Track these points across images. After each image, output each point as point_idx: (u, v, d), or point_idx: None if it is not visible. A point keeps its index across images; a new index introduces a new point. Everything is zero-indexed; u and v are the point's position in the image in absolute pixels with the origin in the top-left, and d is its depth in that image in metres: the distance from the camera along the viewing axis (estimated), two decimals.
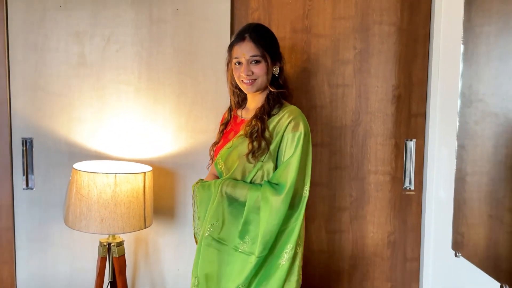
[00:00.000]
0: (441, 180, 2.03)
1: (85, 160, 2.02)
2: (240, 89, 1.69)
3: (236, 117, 1.73)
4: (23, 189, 2.07)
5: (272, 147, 1.58)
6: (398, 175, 2.14)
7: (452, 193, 1.90)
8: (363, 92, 2.10)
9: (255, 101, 1.68)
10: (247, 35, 1.60)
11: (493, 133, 1.62)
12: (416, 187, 2.14)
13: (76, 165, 1.85)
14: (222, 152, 1.65)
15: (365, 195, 2.15)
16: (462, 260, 1.83)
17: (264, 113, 1.60)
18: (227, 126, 1.75)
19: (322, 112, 2.10)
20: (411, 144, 2.13)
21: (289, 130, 1.57)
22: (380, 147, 2.13)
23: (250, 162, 1.57)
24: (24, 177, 2.06)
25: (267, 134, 1.58)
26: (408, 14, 2.08)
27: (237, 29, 2.02)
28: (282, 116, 1.60)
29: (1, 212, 2.06)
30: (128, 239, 2.03)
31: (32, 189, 2.07)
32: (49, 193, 2.07)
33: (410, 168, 2.14)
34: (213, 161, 1.73)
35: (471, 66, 1.81)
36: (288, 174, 1.52)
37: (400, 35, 2.08)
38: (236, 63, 1.62)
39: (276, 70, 1.65)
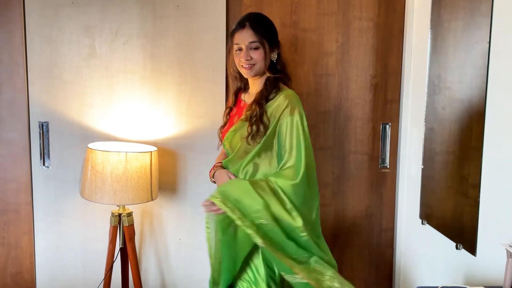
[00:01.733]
0: (412, 159, 2.26)
1: (96, 141, 2.20)
2: (241, 74, 1.76)
3: (240, 101, 1.81)
4: (40, 167, 2.26)
5: (270, 130, 1.62)
6: (375, 155, 2.38)
7: (420, 171, 2.15)
8: (344, 81, 2.33)
9: (255, 86, 1.74)
10: (247, 23, 1.67)
11: (459, 117, 1.84)
12: (391, 165, 2.39)
13: (91, 145, 2.06)
14: (228, 134, 1.73)
15: (346, 173, 2.39)
16: (427, 227, 2.09)
17: (262, 98, 1.66)
18: (232, 109, 1.82)
19: (308, 98, 2.32)
20: (387, 127, 2.38)
21: (287, 114, 1.61)
22: (359, 130, 2.37)
23: (249, 144, 1.63)
24: (41, 157, 2.25)
25: (265, 118, 1.63)
26: (385, 11, 2.30)
27: (233, 23, 2.25)
28: (279, 100, 1.65)
29: (21, 188, 2.27)
30: (135, 212, 2.23)
31: (48, 167, 2.27)
32: (63, 171, 2.26)
33: (386, 148, 2.38)
34: (221, 142, 1.82)
35: (440, 57, 2.02)
36: (301, 158, 1.57)
37: (377, 30, 2.31)
38: (237, 50, 1.68)
39: (274, 56, 1.71)
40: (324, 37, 2.30)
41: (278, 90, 1.69)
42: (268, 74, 1.69)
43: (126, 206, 2.13)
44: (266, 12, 2.24)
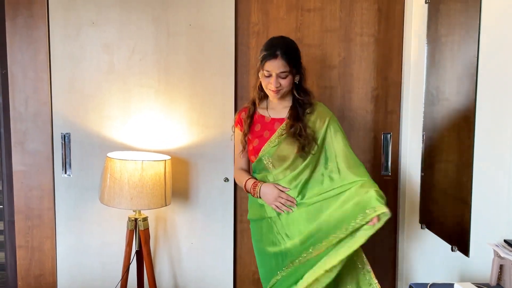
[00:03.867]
0: (412, 167, 2.36)
1: (114, 151, 2.34)
2: (263, 92, 1.91)
3: (262, 116, 1.93)
4: (62, 176, 2.40)
5: (319, 139, 1.84)
6: (377, 163, 2.49)
7: (420, 178, 2.25)
8: (346, 93, 2.45)
9: (281, 103, 1.91)
10: (279, 53, 1.77)
11: (457, 127, 1.93)
12: (392, 172, 2.49)
13: (110, 154, 2.22)
14: (268, 150, 1.85)
15: None
16: (426, 231, 2.19)
17: (301, 115, 1.85)
18: (252, 121, 1.93)
19: None
20: (388, 137, 2.48)
21: (327, 124, 1.86)
22: (361, 139, 2.49)
23: (302, 157, 1.83)
24: (63, 166, 2.40)
25: (309, 131, 1.84)
26: (384, 27, 2.42)
27: (241, 39, 2.40)
28: (318, 112, 1.88)
29: (44, 195, 2.42)
30: (150, 217, 2.36)
31: (69, 175, 2.41)
32: (83, 179, 2.41)
33: (387, 157, 2.49)
34: (244, 149, 1.96)
35: (438, 70, 2.13)
36: (355, 160, 1.86)
37: (377, 45, 2.43)
38: (267, 75, 1.81)
39: (297, 78, 1.86)
40: (327, 52, 2.43)
41: (311, 105, 1.89)
42: (298, 97, 1.87)
43: (141, 211, 2.26)
44: (272, 29, 2.40)
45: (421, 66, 2.23)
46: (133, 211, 2.24)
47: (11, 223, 2.43)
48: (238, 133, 1.99)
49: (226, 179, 2.42)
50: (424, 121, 2.20)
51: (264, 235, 1.90)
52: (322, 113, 1.89)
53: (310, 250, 1.77)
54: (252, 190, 1.90)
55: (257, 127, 1.92)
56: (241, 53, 2.41)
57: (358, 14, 2.41)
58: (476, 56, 1.73)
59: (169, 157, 2.28)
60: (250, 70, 2.43)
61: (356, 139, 2.47)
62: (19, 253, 2.44)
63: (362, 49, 2.43)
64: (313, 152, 1.84)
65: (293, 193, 1.85)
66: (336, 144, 1.86)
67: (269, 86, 1.83)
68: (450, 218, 1.96)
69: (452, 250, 1.88)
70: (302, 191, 1.85)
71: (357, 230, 1.72)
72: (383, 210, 1.69)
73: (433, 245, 2.11)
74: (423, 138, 2.20)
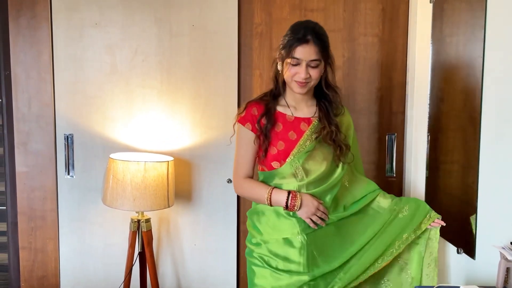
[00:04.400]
0: (417, 168, 2.34)
1: (117, 152, 2.34)
2: (282, 86, 1.67)
3: (282, 114, 1.68)
4: (65, 177, 2.40)
5: (351, 145, 1.71)
6: (381, 164, 2.47)
7: (425, 179, 2.23)
8: (351, 94, 2.44)
9: (304, 99, 1.68)
10: (310, 38, 1.55)
11: (462, 128, 1.92)
12: (397, 174, 2.47)
13: (112, 155, 2.21)
14: (300, 155, 1.62)
15: None
16: None
17: (332, 116, 1.67)
18: (273, 119, 1.66)
19: None
20: (392, 138, 2.47)
21: (353, 129, 1.78)
22: (365, 140, 2.47)
23: (337, 165, 1.66)
24: (66, 167, 2.39)
25: (342, 135, 1.68)
26: (389, 27, 2.41)
27: (244, 41, 2.38)
28: (346, 116, 1.76)
29: (47, 196, 2.42)
30: (153, 218, 2.36)
31: (72, 177, 2.41)
32: (86, 180, 2.40)
33: (392, 158, 2.47)
34: (255, 153, 1.69)
35: (443, 70, 2.13)
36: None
37: (382, 45, 2.42)
38: (295, 64, 1.57)
39: (324, 71, 1.64)
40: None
41: (339, 104, 1.73)
42: (324, 90, 1.68)
43: (144, 213, 2.26)
44: (275, 30, 2.40)
45: (426, 66, 2.21)
46: (136, 212, 2.24)
47: (14, 224, 2.43)
48: (246, 132, 1.67)
49: (229, 180, 2.41)
50: (429, 122, 2.18)
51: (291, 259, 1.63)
52: (349, 117, 1.77)
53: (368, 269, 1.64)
54: (291, 201, 1.60)
55: (278, 127, 1.66)
56: (244, 54, 2.40)
57: (362, 14, 2.39)
58: (482, 56, 1.71)
59: (172, 158, 2.27)
60: (254, 71, 2.41)
61: (360, 140, 2.45)
62: (22, 254, 2.44)
63: (366, 49, 2.41)
64: (348, 160, 1.68)
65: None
66: (355, 152, 1.76)
67: (296, 77, 1.58)
68: (455, 220, 1.94)
69: (458, 252, 1.86)
70: (332, 205, 1.67)
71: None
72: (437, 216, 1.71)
73: (439, 248, 2.08)
74: (428, 139, 2.18)
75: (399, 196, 2.44)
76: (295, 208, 1.60)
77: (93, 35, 2.36)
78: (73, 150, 2.40)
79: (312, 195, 1.63)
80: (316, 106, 1.70)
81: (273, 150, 1.65)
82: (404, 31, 2.40)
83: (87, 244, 2.45)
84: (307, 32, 1.56)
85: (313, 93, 1.71)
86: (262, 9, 2.39)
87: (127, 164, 2.09)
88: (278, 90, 1.69)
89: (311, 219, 1.62)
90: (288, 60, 1.57)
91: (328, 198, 1.66)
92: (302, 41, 1.55)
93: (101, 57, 2.37)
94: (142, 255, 2.29)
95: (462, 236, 1.87)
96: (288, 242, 1.64)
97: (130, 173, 2.08)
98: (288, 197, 1.60)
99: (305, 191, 1.63)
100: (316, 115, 1.69)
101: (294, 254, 1.62)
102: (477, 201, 1.74)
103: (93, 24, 2.35)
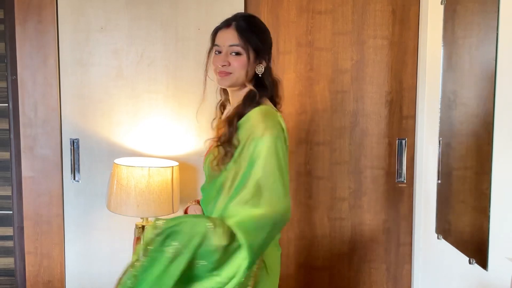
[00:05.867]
0: (428, 174, 2.28)
1: (123, 156, 2.32)
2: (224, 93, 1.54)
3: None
4: (71, 182, 2.40)
5: (235, 155, 1.35)
6: (391, 170, 2.41)
7: (436, 185, 2.17)
8: (359, 97, 2.39)
9: (234, 100, 1.49)
10: (233, 23, 1.42)
11: (476, 132, 1.86)
12: (408, 180, 2.41)
13: (117, 160, 2.20)
14: (206, 157, 1.50)
15: (362, 187, 2.43)
16: (443, 242, 2.10)
17: (236, 115, 1.40)
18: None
19: (324, 115, 2.38)
20: (403, 143, 2.41)
21: (257, 135, 1.33)
22: (375, 145, 2.41)
23: (214, 170, 1.40)
24: (72, 171, 2.39)
25: (235, 139, 1.37)
26: (399, 29, 2.35)
27: None
28: (251, 123, 1.37)
29: (53, 201, 2.41)
30: None
31: (78, 181, 2.40)
32: (92, 185, 2.40)
33: (402, 163, 2.41)
34: None
35: (455, 73, 2.06)
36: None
37: (391, 48, 2.36)
38: (216, 52, 1.44)
39: (260, 69, 1.43)
40: (339, 55, 2.37)
41: (252, 107, 1.40)
42: (249, 86, 1.42)
43: (149, 219, 2.23)
44: (282, 32, 2.36)
45: (437, 69, 2.16)
46: (141, 218, 2.21)
47: (20, 229, 2.43)
48: None
49: None
50: (440, 126, 2.12)
51: None
52: (248, 127, 1.38)
53: None
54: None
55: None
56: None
57: (371, 16, 2.34)
58: (495, 58, 1.65)
59: (177, 164, 2.25)
60: None
61: (369, 145, 2.41)
62: (28, 259, 2.44)
63: (376, 52, 2.36)
64: (224, 167, 1.40)
65: None
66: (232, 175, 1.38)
67: (217, 67, 1.42)
68: (468, 229, 1.88)
69: (470, 262, 1.79)
70: None
71: None
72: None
73: (450, 256, 2.02)
74: (439, 144, 2.13)
75: (409, 203, 2.41)
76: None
77: (99, 39, 2.36)
78: (79, 155, 2.39)
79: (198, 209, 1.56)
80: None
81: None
82: (415, 33, 2.35)
83: (93, 249, 2.44)
84: (231, 18, 1.46)
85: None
86: (269, 11, 2.36)
87: (131, 169, 2.07)
88: (226, 94, 1.58)
89: None
90: (212, 50, 1.46)
91: (211, 207, 1.45)
92: (224, 25, 1.44)
93: (107, 61, 2.36)
94: None
95: (474, 245, 1.81)
96: None
97: (134, 179, 2.06)
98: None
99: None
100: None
101: None
102: (490, 209, 1.67)
103: (99, 28, 2.35)
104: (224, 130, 1.39)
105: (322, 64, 2.37)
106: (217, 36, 1.45)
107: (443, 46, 2.10)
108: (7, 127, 2.42)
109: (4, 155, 2.50)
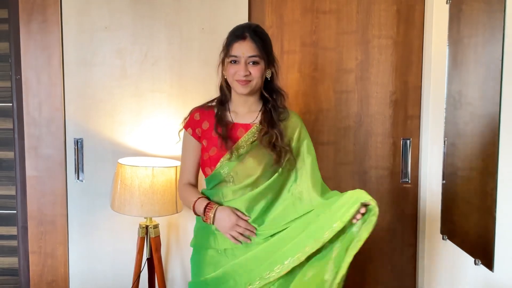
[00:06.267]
0: (433, 174, 2.27)
1: (126, 156, 2.32)
2: (227, 92, 1.65)
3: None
4: (75, 181, 2.40)
5: (294, 151, 1.61)
6: (396, 170, 2.40)
7: (441, 186, 2.16)
8: (364, 97, 2.38)
9: (247, 105, 1.65)
10: (248, 34, 1.55)
11: (481, 133, 1.84)
12: (412, 180, 2.39)
13: (121, 160, 2.19)
14: (229, 161, 1.58)
15: (367, 188, 2.37)
16: (448, 242, 2.09)
17: (276, 120, 1.61)
18: (213, 124, 1.64)
19: (328, 114, 2.37)
20: (407, 143, 2.39)
21: (305, 134, 1.66)
22: (379, 145, 2.40)
23: (275, 170, 1.58)
24: (76, 171, 2.39)
25: (285, 140, 1.59)
26: (404, 28, 2.34)
27: None
28: (293, 120, 1.65)
29: (57, 201, 2.41)
30: (162, 224, 2.32)
31: (82, 181, 2.40)
32: (96, 185, 2.39)
33: (407, 163, 2.39)
34: (195, 159, 1.68)
35: (460, 73, 2.05)
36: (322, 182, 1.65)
37: (396, 47, 2.35)
38: (232, 61, 1.57)
39: (268, 73, 1.61)
40: (344, 55, 2.36)
41: (284, 108, 1.66)
42: (265, 94, 1.63)
43: (153, 218, 2.23)
44: (287, 32, 2.35)
45: (442, 69, 2.14)
46: (144, 218, 2.21)
47: (24, 228, 2.43)
48: (188, 137, 1.69)
49: None
50: (445, 126, 2.10)
51: (207, 266, 1.60)
52: (297, 122, 1.66)
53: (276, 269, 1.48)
54: (205, 214, 1.58)
55: (214, 133, 1.63)
56: None
57: (376, 15, 2.33)
58: (501, 58, 1.64)
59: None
60: None
61: (374, 145, 2.40)
62: (32, 259, 2.44)
63: (380, 51, 2.35)
64: (289, 167, 1.60)
65: (252, 218, 1.58)
66: (307, 160, 1.62)
67: (236, 75, 1.56)
68: (473, 229, 1.86)
69: (475, 263, 1.78)
70: (262, 217, 1.58)
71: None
72: (368, 198, 1.46)
73: (455, 257, 2.01)
74: (444, 144, 2.11)
75: (414, 203, 2.40)
76: (209, 220, 1.58)
77: (103, 39, 2.35)
78: (82, 155, 2.39)
79: (233, 209, 1.58)
80: (260, 111, 1.65)
81: (205, 156, 1.64)
82: (420, 33, 2.34)
83: (96, 249, 2.44)
84: (244, 29, 1.58)
85: (259, 97, 1.66)
86: (273, 11, 2.35)
87: (135, 169, 2.07)
88: (224, 96, 1.68)
89: (232, 235, 1.56)
90: (228, 60, 1.58)
91: (260, 206, 1.58)
92: (240, 37, 1.56)
93: (111, 61, 2.36)
94: (150, 261, 2.26)
95: (479, 246, 1.79)
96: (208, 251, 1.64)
97: (138, 178, 2.05)
98: (205, 208, 1.59)
99: (235, 198, 1.59)
100: (258, 120, 1.64)
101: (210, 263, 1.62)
102: (495, 209, 1.66)
103: (103, 28, 2.35)
104: (271, 133, 1.58)
105: (327, 63, 2.36)
106: (234, 48, 1.57)
107: (448, 45, 2.09)
108: (11, 127, 2.42)
109: (8, 154, 2.51)
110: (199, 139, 1.68)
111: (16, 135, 2.40)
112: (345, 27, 2.35)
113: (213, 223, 1.59)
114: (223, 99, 1.68)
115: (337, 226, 1.44)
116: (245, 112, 1.66)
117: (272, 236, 1.55)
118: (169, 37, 2.34)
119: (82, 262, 2.45)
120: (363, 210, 1.45)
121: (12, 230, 2.48)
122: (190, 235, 2.39)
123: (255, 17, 2.34)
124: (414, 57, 2.35)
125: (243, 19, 2.31)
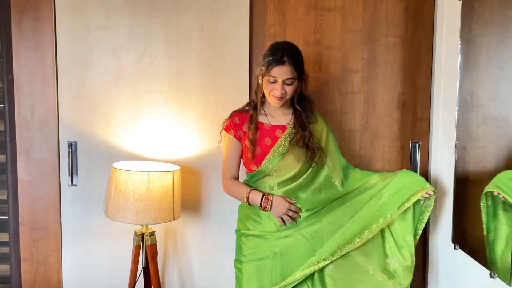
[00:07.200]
0: (443, 180, 2.18)
1: (122, 160, 2.24)
2: (263, 98, 1.94)
3: (260, 123, 1.95)
4: (69, 186, 2.32)
5: (324, 147, 1.97)
6: None
7: (453, 192, 2.06)
8: (370, 99, 2.28)
9: (281, 110, 1.96)
10: (286, 59, 1.81)
11: (494, 136, 1.76)
12: None
13: (115, 165, 2.10)
14: (273, 158, 1.90)
15: None
16: (460, 252, 1.99)
17: (306, 123, 1.94)
18: (254, 127, 1.95)
19: (333, 116, 2.28)
20: (416, 146, 2.30)
21: (327, 133, 2.03)
22: (387, 149, 2.31)
23: (309, 165, 1.93)
24: (70, 175, 2.31)
25: (315, 140, 1.94)
26: (412, 26, 2.25)
27: (256, 42, 2.26)
28: (320, 122, 2.02)
29: (50, 206, 2.33)
30: (159, 231, 2.26)
31: (76, 186, 2.32)
32: (90, 190, 2.31)
33: (416, 168, 2.30)
34: (255, 165, 1.94)
35: (472, 73, 1.96)
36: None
37: (404, 46, 2.25)
38: (272, 81, 1.84)
39: (299, 87, 1.90)
40: (349, 54, 2.27)
41: (312, 113, 1.99)
42: (297, 106, 1.94)
43: (149, 226, 2.14)
44: (289, 31, 2.27)
45: (453, 69, 2.05)
46: (140, 225, 2.11)
47: (16, 235, 2.35)
48: (230, 139, 1.98)
49: None
50: (457, 129, 2.01)
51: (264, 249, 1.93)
52: (322, 123, 2.03)
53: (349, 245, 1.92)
54: (264, 202, 1.90)
55: (257, 135, 1.94)
56: (256, 57, 2.26)
57: (383, 13, 2.24)
58: None
59: (178, 168, 2.15)
60: None
61: (381, 149, 2.30)
62: (24, 267, 2.36)
63: (388, 51, 2.26)
64: (321, 162, 1.95)
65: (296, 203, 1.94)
66: (336, 155, 2.03)
67: (274, 93, 1.85)
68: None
69: (491, 276, 1.67)
70: (303, 202, 1.93)
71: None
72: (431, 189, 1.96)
73: (469, 269, 1.90)
74: (456, 147, 2.01)
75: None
76: (267, 208, 1.89)
77: (98, 37, 2.27)
78: (76, 158, 2.31)
79: (284, 196, 1.91)
80: (292, 114, 1.97)
81: (249, 154, 1.93)
82: (430, 31, 2.24)
83: (91, 256, 2.36)
84: (283, 54, 1.82)
85: (289, 103, 1.96)
86: (275, 9, 2.26)
87: (129, 174, 1.98)
88: (261, 102, 1.95)
89: (282, 218, 1.90)
90: (267, 78, 1.84)
91: (302, 194, 1.93)
92: (279, 62, 1.81)
93: (106, 60, 2.28)
94: (146, 270, 2.17)
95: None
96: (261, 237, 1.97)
97: (133, 184, 1.96)
98: (262, 198, 1.89)
99: (279, 189, 1.92)
100: (291, 122, 1.95)
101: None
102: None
103: (98, 26, 2.27)
104: (306, 136, 1.92)
105: (331, 63, 2.27)
106: (273, 71, 1.82)
107: (460, 44, 1.99)
108: (3, 129, 2.34)
109: (0, 158, 2.42)
110: (240, 139, 1.97)
111: (7, 138, 2.32)
112: (351, 25, 2.26)
113: (270, 210, 1.90)
114: (257, 104, 1.96)
115: (407, 205, 1.96)
116: (280, 115, 1.98)
117: (311, 214, 1.94)
118: (167, 36, 2.26)
119: (76, 270, 2.36)
120: (426, 194, 1.97)
121: (3, 237, 2.39)
122: (189, 242, 2.34)
123: (257, 15, 2.26)
124: (423, 56, 2.25)
125: (244, 16, 2.24)
